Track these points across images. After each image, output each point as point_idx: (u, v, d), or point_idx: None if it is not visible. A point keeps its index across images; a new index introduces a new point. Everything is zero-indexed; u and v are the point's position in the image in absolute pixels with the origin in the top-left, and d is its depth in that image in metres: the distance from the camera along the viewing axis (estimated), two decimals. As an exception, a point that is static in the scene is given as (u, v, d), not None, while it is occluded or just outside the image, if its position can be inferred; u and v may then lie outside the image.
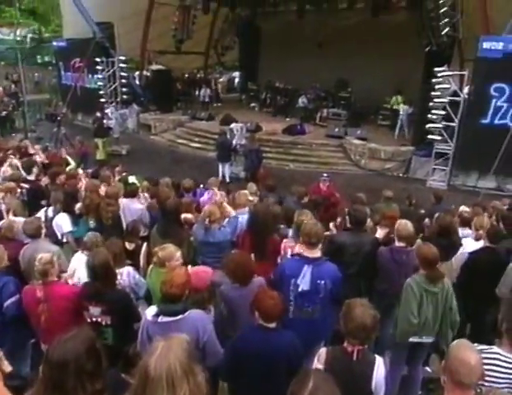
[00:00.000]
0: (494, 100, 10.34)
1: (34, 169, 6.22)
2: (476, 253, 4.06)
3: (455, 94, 10.90)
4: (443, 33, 11.91)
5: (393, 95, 15.38)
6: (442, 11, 11.69)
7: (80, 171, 7.62)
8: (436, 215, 4.77)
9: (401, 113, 14.20)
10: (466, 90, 10.80)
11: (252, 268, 3.03)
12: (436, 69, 11.19)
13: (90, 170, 7.87)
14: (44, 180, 6.27)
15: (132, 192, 5.22)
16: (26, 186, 5.92)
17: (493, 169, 9.29)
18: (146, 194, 5.66)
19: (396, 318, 3.44)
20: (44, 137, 14.27)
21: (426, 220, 5.35)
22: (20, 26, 27.87)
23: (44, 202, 5.55)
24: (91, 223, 4.98)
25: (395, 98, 15.24)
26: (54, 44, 20.42)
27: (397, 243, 3.86)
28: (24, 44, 26.36)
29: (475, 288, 3.85)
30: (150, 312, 2.68)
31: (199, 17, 17.95)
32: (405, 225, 3.85)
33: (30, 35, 30.58)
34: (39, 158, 7.77)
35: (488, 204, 6.32)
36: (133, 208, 5.05)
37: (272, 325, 2.58)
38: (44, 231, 4.09)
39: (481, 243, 4.30)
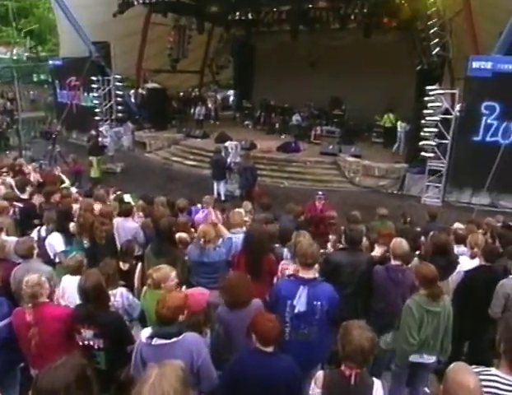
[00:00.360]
0: (485, 118, 10.53)
1: (28, 188, 6.17)
2: (471, 271, 4.04)
3: (447, 111, 11.09)
4: (433, 53, 12.19)
5: (385, 113, 15.57)
6: (432, 31, 11.98)
7: (74, 190, 7.60)
8: (431, 233, 4.77)
9: (399, 130, 14.35)
10: (457, 107, 10.99)
11: (250, 290, 2.98)
12: (428, 87, 11.40)
13: (84, 190, 7.80)
14: (37, 199, 6.21)
15: (126, 211, 5.19)
16: (19, 205, 5.87)
17: (486, 185, 9.37)
18: (140, 213, 5.62)
19: (393, 340, 3.40)
20: (38, 155, 14.24)
21: (422, 238, 5.35)
22: (17, 45, 28.22)
23: (36, 221, 5.49)
24: (85, 243, 4.94)
25: (387, 116, 15.44)
26: (50, 62, 20.55)
27: (393, 262, 3.85)
28: (20, 63, 26.56)
29: (472, 307, 3.83)
30: (144, 333, 2.64)
31: (194, 37, 18.25)
32: (400, 243, 3.85)
33: (26, 54, 30.84)
34: (33, 177, 7.73)
35: (482, 221, 6.35)
36: (127, 227, 5.00)
37: (270, 349, 2.53)
38: (36, 251, 4.02)
39: (476, 261, 4.30)
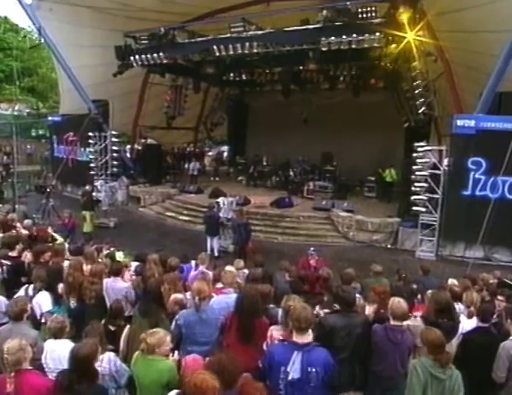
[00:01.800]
0: (472, 173, 10.79)
1: (18, 246, 6.05)
2: (469, 334, 3.91)
3: (435, 166, 11.38)
4: (419, 111, 12.70)
5: (387, 168, 15.77)
6: (417, 91, 12.58)
7: (66, 246, 7.48)
8: (429, 292, 4.67)
9: None
10: (445, 162, 11.30)
11: (239, 370, 2.79)
12: (416, 144, 11.78)
13: (76, 246, 7.66)
14: (27, 255, 6.08)
15: (116, 271, 5.06)
16: (7, 262, 5.73)
17: (479, 239, 9.42)
18: (131, 272, 5.51)
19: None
20: (32, 209, 14.18)
21: (418, 296, 5.26)
22: (19, 102, 29.19)
23: (24, 279, 5.34)
24: (72, 303, 4.80)
25: (388, 171, 15.63)
26: (50, 118, 21.10)
27: (392, 322, 3.75)
28: (21, 119, 27.26)
29: (472, 371, 3.66)
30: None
31: (190, 95, 18.93)
32: (398, 303, 3.77)
33: (27, 110, 31.76)
34: (24, 233, 7.62)
35: (478, 277, 6.29)
36: (117, 287, 4.87)
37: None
38: (27, 315, 3.86)
39: (474, 321, 4.20)
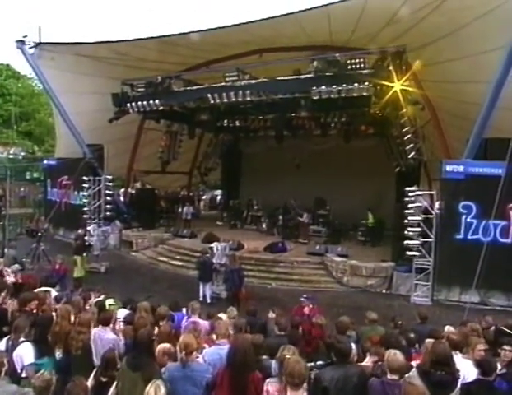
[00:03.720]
0: (464, 217, 10.88)
1: (3, 294, 5.86)
2: (468, 385, 3.74)
3: (427, 210, 11.48)
4: (409, 156, 13.01)
5: (369, 214, 15.93)
6: (406, 138, 12.94)
7: (54, 293, 7.26)
8: (427, 341, 4.52)
9: None
10: (437, 205, 11.41)
11: None
12: (407, 189, 11.93)
13: (65, 293, 7.44)
14: (11, 304, 5.86)
15: (104, 321, 4.87)
16: (-10, 312, 5.52)
17: (474, 283, 9.33)
18: (120, 321, 5.33)
19: None
20: (22, 253, 13.90)
21: (416, 345, 5.12)
22: (15, 146, 29.48)
23: (6, 329, 5.12)
24: (58, 354, 4.60)
25: (371, 216, 15.75)
26: (45, 162, 21.23)
27: (389, 376, 3.60)
28: (16, 162, 27.38)
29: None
30: None
31: (185, 141, 19.26)
32: (394, 355, 3.62)
33: (22, 153, 31.99)
34: (10, 279, 7.43)
35: (475, 323, 6.14)
36: (105, 339, 4.65)
37: None
38: (4, 369, 3.67)
39: (473, 372, 4.04)
